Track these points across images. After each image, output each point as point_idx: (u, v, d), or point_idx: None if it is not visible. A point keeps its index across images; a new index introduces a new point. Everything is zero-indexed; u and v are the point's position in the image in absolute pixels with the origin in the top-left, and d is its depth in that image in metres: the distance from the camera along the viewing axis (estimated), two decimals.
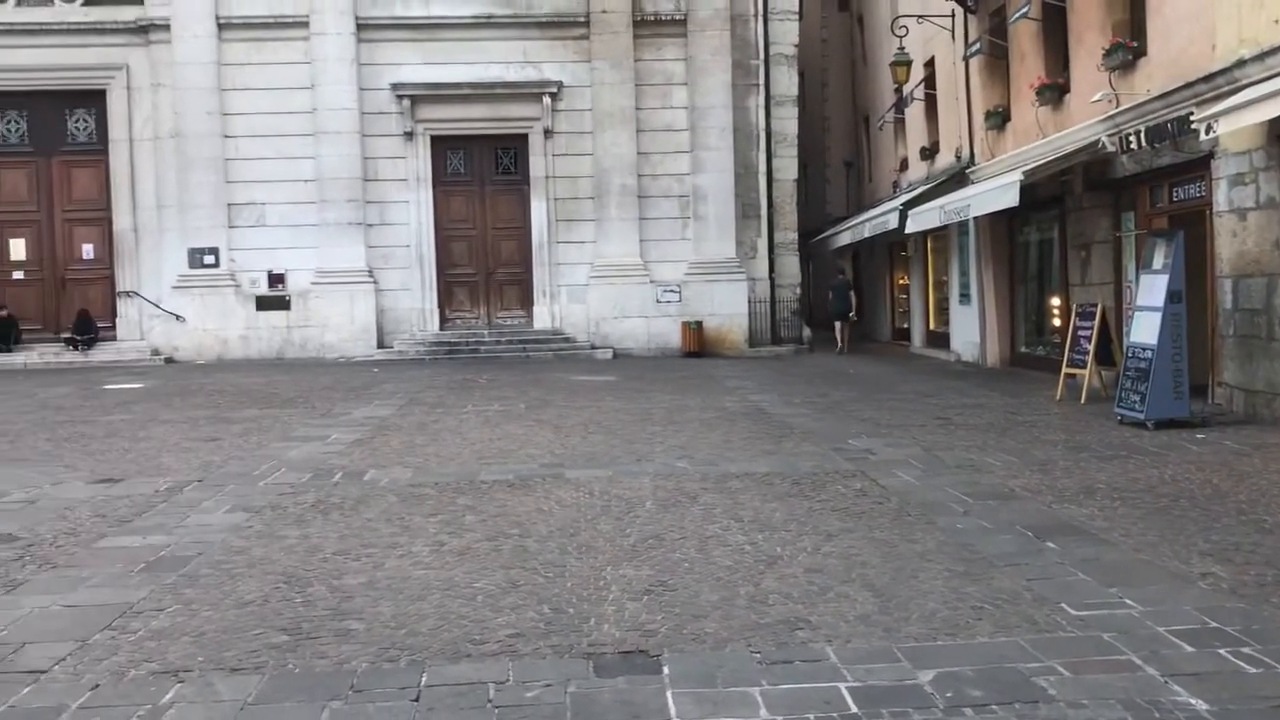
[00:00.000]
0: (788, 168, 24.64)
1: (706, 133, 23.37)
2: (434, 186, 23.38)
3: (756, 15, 23.87)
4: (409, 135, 23.12)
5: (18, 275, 23.28)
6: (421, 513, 7.88)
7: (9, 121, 23.30)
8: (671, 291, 23.31)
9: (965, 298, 21.09)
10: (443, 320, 23.54)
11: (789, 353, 23.40)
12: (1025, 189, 15.08)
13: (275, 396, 15.88)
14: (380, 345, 22.95)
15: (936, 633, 5.11)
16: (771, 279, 24.21)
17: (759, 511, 7.72)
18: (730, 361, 21.49)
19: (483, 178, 23.74)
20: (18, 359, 22.20)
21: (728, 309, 23.30)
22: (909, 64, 21.97)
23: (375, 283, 23.11)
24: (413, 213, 23.23)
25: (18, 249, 23.29)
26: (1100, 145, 14.71)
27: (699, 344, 22.74)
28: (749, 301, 23.56)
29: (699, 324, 22.93)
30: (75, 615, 5.63)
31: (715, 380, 17.58)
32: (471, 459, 10.18)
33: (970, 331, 20.76)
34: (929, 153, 23.49)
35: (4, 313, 22.71)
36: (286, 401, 15.22)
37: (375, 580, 6.16)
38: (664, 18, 23.46)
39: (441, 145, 23.48)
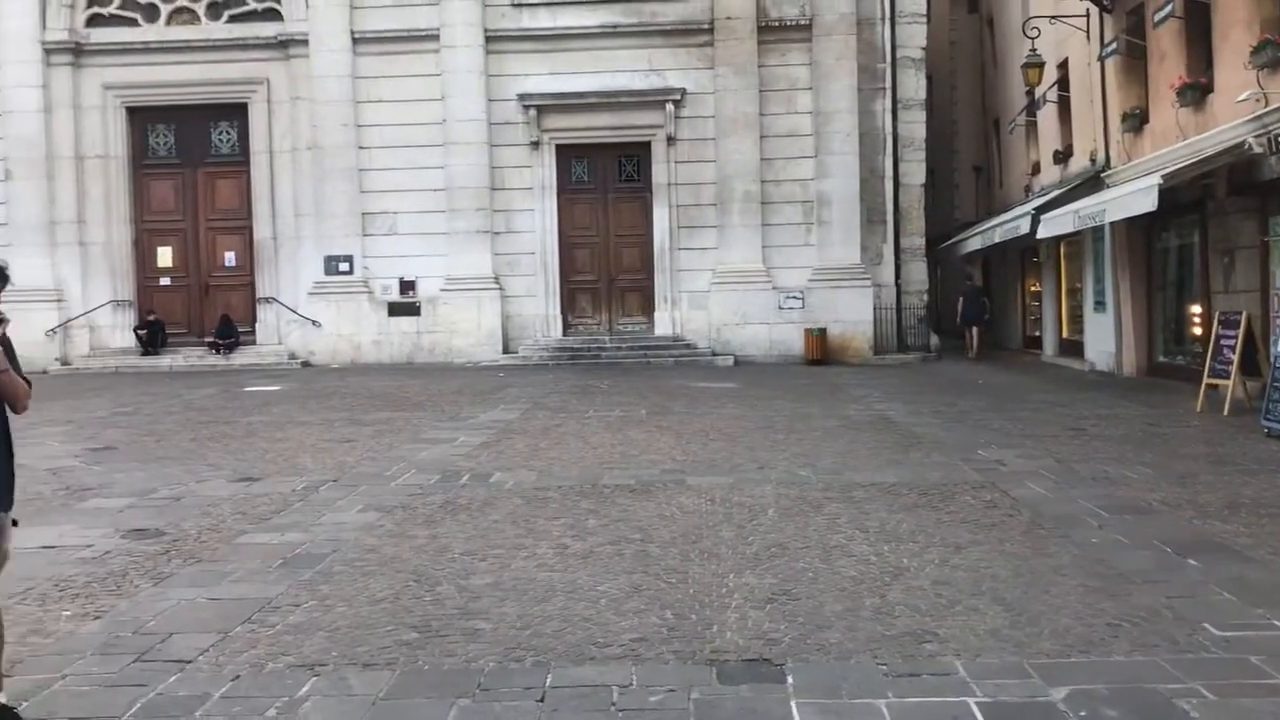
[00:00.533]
0: (915, 172, 24.25)
1: (831, 138, 23.14)
2: (558, 195, 23.67)
3: (883, 19, 23.56)
4: (535, 144, 23.47)
5: (165, 281, 24.38)
6: (545, 515, 7.99)
7: (158, 135, 24.43)
8: (794, 298, 23.13)
9: (1100, 305, 20.42)
10: (565, 326, 23.81)
11: (916, 360, 23.00)
12: (1164, 193, 14.51)
13: (405, 400, 16.29)
14: (505, 350, 23.32)
15: (1070, 649, 4.96)
16: (898, 285, 23.84)
17: (885, 522, 7.61)
18: (855, 369, 21.22)
19: (606, 185, 23.96)
20: (164, 361, 23.25)
21: (852, 316, 23.02)
22: (1041, 66, 21.37)
23: (501, 289, 23.51)
24: (537, 220, 23.58)
25: (165, 256, 24.38)
26: (1246, 147, 14.06)
27: (822, 351, 22.50)
28: (874, 308, 23.22)
29: (822, 331, 22.70)
30: (218, 608, 5.87)
31: (839, 388, 17.38)
32: (594, 463, 10.27)
33: (1105, 340, 20.09)
34: (1062, 156, 22.82)
35: (152, 317, 23.81)
36: (416, 405, 15.60)
37: (501, 581, 6.27)
38: (788, 23, 23.32)
39: (566, 154, 23.78)
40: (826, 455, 10.56)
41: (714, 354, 22.81)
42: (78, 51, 23.65)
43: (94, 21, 23.88)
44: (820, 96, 23.17)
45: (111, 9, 23.86)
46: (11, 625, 5.66)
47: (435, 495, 8.83)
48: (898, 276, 23.88)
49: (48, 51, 23.49)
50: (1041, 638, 5.12)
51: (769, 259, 23.31)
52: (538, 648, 5.13)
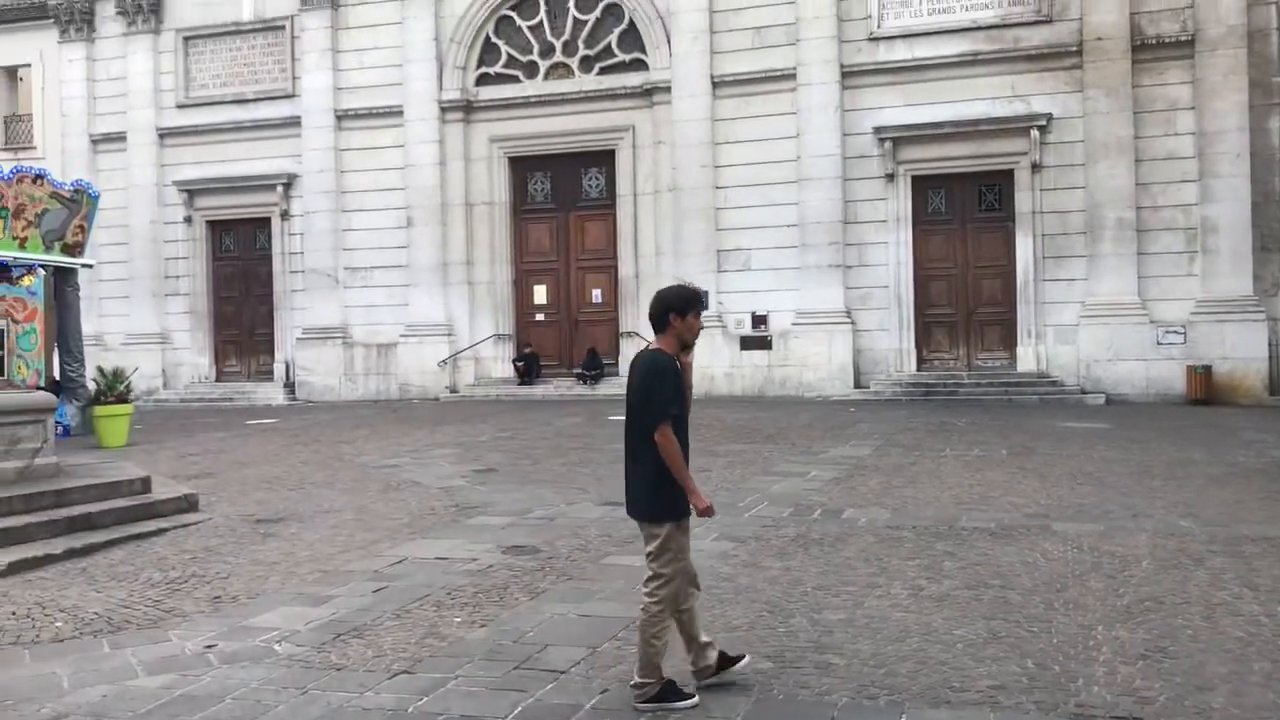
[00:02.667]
0: None
1: (1216, 160, 21.33)
2: (913, 226, 23.28)
3: (1279, 29, 21.48)
4: (889, 177, 23.25)
5: (539, 317, 26.25)
6: (899, 555, 7.91)
7: (536, 182, 26.42)
8: (1175, 333, 21.44)
9: None
10: (919, 361, 23.33)
11: None
12: None
13: (757, 432, 16.58)
14: (856, 385, 23.16)
15: None
16: None
17: (1279, 580, 6.93)
18: (1244, 411, 19.33)
19: (964, 216, 23.30)
20: (537, 391, 24.99)
21: (1242, 352, 21.00)
22: None
23: (852, 323, 23.41)
24: (891, 253, 23.30)
25: (540, 294, 26.30)
26: None
27: (1206, 390, 20.67)
28: (1269, 344, 21.07)
29: (1207, 368, 20.86)
30: (587, 624, 6.28)
31: (1226, 431, 15.91)
32: (950, 504, 10.03)
33: None
34: None
35: (528, 349, 25.70)
36: (768, 437, 15.85)
37: (854, 618, 6.28)
38: (1166, 40, 21.78)
39: (922, 185, 23.37)
40: (1211, 504, 9.73)
41: (1083, 392, 21.55)
42: (468, 108, 26.05)
43: (482, 80, 26.22)
44: (1204, 116, 21.44)
45: (497, 68, 26.11)
46: (411, 627, 6.36)
47: (787, 528, 8.96)
48: None
49: (443, 109, 26.06)
50: None
51: (1144, 290, 21.77)
52: (892, 687, 5.11)
